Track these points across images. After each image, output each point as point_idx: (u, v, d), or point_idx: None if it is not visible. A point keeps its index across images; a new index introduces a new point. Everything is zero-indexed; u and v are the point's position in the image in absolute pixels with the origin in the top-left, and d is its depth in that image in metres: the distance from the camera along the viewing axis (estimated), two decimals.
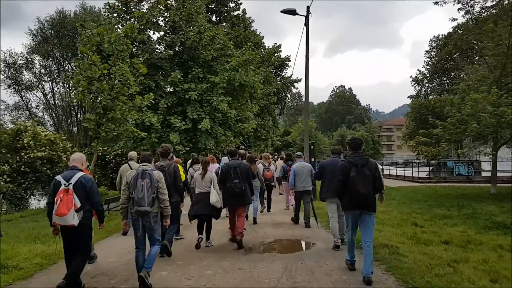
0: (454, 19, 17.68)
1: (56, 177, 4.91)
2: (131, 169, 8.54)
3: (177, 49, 19.57)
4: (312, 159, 13.62)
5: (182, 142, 18.12)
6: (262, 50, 29.36)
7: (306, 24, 16.48)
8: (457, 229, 9.61)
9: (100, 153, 21.01)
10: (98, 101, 11.13)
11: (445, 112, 16.83)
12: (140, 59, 12.94)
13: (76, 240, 4.86)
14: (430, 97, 56.32)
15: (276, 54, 31.25)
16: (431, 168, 30.63)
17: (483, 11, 18.02)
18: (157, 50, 19.20)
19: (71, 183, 4.74)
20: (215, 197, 7.16)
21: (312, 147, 14.64)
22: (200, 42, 18.65)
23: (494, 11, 17.43)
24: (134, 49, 19.00)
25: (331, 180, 6.73)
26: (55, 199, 4.65)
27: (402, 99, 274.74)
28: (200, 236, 7.36)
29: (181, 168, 7.69)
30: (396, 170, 33.58)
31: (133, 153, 9.62)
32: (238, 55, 20.84)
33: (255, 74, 20.22)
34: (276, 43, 31.62)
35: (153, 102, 18.45)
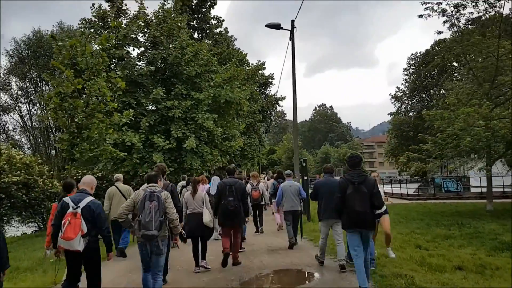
0: (440, 32, 17.46)
1: (64, 199, 4.83)
2: (120, 191, 8.80)
3: (158, 65, 18.76)
4: (305, 177, 12.82)
5: (166, 163, 17.10)
6: (246, 67, 28.80)
7: (292, 38, 15.98)
8: (465, 251, 8.90)
9: (79, 177, 19.81)
10: (72, 119, 10.20)
11: (435, 127, 16.35)
12: (118, 73, 12.06)
13: (86, 267, 4.83)
14: (411, 113, 56.89)
15: (260, 71, 30.73)
16: (418, 184, 30.25)
17: (469, 23, 17.92)
18: (137, 66, 18.35)
19: (79, 207, 4.66)
20: (208, 217, 7.07)
21: (304, 164, 13.87)
22: (182, 58, 17.92)
23: (480, 24, 17.31)
24: (112, 65, 18.15)
25: (327, 200, 6.83)
26: (63, 222, 4.56)
27: (381, 117, 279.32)
28: (197, 268, 7.16)
29: None
30: (383, 187, 33.08)
31: (119, 175, 9.40)
32: (222, 71, 20.16)
33: (241, 91, 19.54)
34: (260, 60, 31.18)
35: (133, 120, 17.56)
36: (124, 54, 18.26)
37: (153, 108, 18.30)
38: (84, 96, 10.41)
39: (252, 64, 30.83)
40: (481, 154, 16.53)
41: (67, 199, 4.80)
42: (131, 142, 16.20)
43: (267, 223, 13.80)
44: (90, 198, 4.86)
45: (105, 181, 20.03)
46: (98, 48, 10.77)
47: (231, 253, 7.41)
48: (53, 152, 40.03)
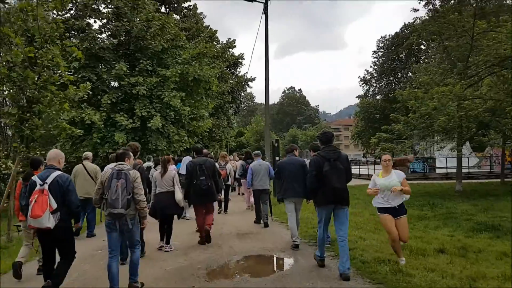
0: (415, 10, 17.08)
1: (32, 178, 4.62)
2: (86, 170, 8.52)
3: (122, 38, 17.57)
4: (277, 158, 12.24)
5: (129, 143, 16.14)
6: (216, 45, 27.72)
7: (265, 12, 15.21)
8: (442, 232, 8.63)
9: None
10: (21, 92, 9.10)
11: (409, 107, 16.12)
12: (74, 41, 10.95)
13: (57, 245, 4.63)
14: (378, 96, 57.58)
15: (230, 50, 29.71)
16: None
17: (443, 3, 17.67)
18: (98, 39, 17.09)
19: (46, 183, 4.45)
20: (180, 195, 7.01)
21: (276, 144, 13.26)
22: (148, 31, 16.80)
23: (456, 1, 17.08)
24: (72, 38, 16.81)
25: (289, 179, 6.87)
26: (30, 200, 4.37)
27: (348, 101, 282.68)
28: (162, 242, 7.14)
29: None
30: (351, 168, 33.26)
31: (88, 153, 9.12)
32: (191, 47, 19.14)
33: (210, 68, 18.64)
34: (230, 38, 30.09)
35: (94, 97, 16.41)
36: (85, 26, 16.93)
37: (116, 84, 17.17)
38: (36, 66, 9.31)
39: (222, 41, 29.77)
40: (452, 134, 16.50)
41: (34, 177, 4.59)
42: (91, 121, 15.13)
43: (235, 204, 13.68)
44: (58, 172, 4.60)
45: (65, 163, 18.72)
46: (53, 14, 9.61)
47: (206, 225, 7.48)
48: (10, 132, 37.70)
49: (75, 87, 9.87)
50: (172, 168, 10.21)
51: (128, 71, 16.32)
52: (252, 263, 6.31)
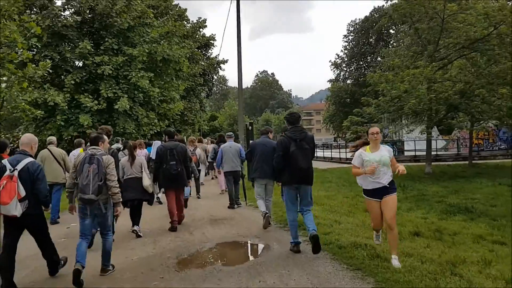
0: None
1: (2, 161, 4.48)
2: (52, 154, 8.31)
3: (86, 16, 16.60)
4: (251, 141, 11.90)
5: (95, 125, 15.41)
6: (186, 24, 26.83)
7: None
8: (415, 214, 8.60)
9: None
10: None
11: (380, 90, 16.10)
12: (33, 16, 10.15)
13: (33, 234, 4.63)
14: (348, 81, 58.04)
15: (201, 30, 28.89)
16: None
17: None
18: (61, 17, 16.06)
19: (16, 169, 4.34)
20: (148, 181, 6.85)
21: (250, 127, 12.89)
22: (113, 8, 15.94)
23: None
24: (33, 15, 15.73)
25: (260, 160, 6.91)
26: None
27: (319, 85, 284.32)
28: (134, 227, 6.91)
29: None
30: (323, 152, 33.39)
31: (52, 138, 8.95)
32: (159, 25, 18.36)
33: (180, 48, 17.98)
34: (200, 18, 29.21)
35: (54, 75, 15.53)
36: (47, 3, 15.89)
37: (80, 64, 16.30)
38: None
39: (192, 21, 28.88)
40: (422, 117, 16.64)
41: (4, 161, 4.46)
42: (54, 102, 14.30)
43: (208, 188, 13.61)
44: (29, 159, 4.51)
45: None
46: None
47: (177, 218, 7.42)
48: None
49: (34, 65, 9.13)
50: (143, 152, 10.12)
51: (92, 49, 15.48)
52: (226, 250, 6.03)
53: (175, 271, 4.93)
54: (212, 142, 15.18)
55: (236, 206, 9.48)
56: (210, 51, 35.73)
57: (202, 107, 35.70)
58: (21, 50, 8.52)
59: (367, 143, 5.01)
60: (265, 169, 6.83)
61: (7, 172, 4.31)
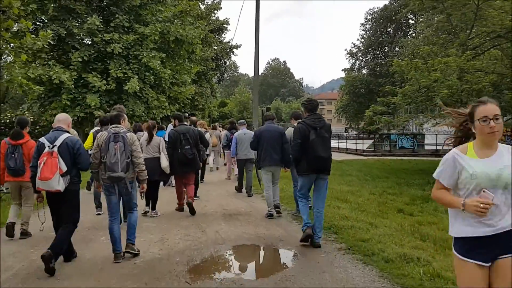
0: None
1: (39, 139, 4.57)
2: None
3: None
4: (255, 129, 10.96)
5: (103, 107, 14.61)
6: (201, 5, 25.73)
7: None
8: None
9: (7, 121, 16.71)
10: None
11: (408, 78, 15.01)
12: None
13: (64, 207, 4.55)
14: (364, 70, 56.51)
15: (216, 12, 27.78)
16: (374, 140, 29.79)
17: None
18: None
19: (55, 145, 4.40)
20: (166, 162, 6.94)
21: (267, 112, 11.89)
22: None
23: None
24: None
25: (267, 147, 6.81)
26: (39, 162, 4.32)
27: (331, 75, 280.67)
28: (147, 207, 7.10)
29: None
30: (338, 142, 32.36)
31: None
32: (172, 3, 17.34)
33: (194, 28, 16.98)
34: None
35: (60, 52, 14.69)
36: None
37: (88, 41, 15.40)
38: None
39: (206, 2, 27.78)
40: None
41: (42, 139, 4.51)
42: (60, 80, 13.46)
43: (215, 174, 13.39)
44: (67, 135, 4.56)
45: (37, 127, 17.17)
46: None
47: (189, 198, 7.25)
48: None
49: (33, 35, 8.23)
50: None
51: (102, 26, 14.56)
52: (244, 255, 5.16)
53: (185, 283, 4.05)
54: (214, 128, 14.53)
55: (247, 195, 9.33)
56: (223, 35, 34.70)
57: (213, 92, 34.78)
58: (15, 15, 7.58)
59: (468, 137, 2.56)
60: (272, 156, 6.78)
61: (46, 149, 4.36)
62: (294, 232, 5.97)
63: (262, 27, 13.62)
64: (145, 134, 7.39)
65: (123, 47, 14.61)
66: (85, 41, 15.32)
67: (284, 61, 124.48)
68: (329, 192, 10.02)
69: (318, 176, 5.23)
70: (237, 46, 34.34)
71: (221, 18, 32.66)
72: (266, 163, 6.84)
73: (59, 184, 4.28)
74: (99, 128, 6.93)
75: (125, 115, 5.06)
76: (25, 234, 5.72)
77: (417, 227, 6.61)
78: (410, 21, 54.35)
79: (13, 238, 5.61)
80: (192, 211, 7.09)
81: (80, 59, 14.15)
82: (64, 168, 4.35)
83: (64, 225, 4.52)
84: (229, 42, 34.48)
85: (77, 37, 14.73)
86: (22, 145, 5.57)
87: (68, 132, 4.66)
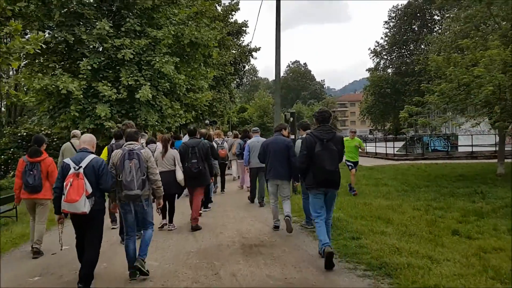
0: None
1: (64, 160, 4.63)
2: (74, 148, 8.02)
3: None
4: (292, 136, 9.69)
5: (114, 117, 13.68)
6: (217, 6, 24.77)
7: None
8: None
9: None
10: None
11: (448, 74, 13.55)
12: None
13: (88, 229, 4.55)
14: (389, 70, 54.60)
15: (233, 13, 26.78)
16: (405, 143, 28.07)
17: None
18: None
19: (81, 167, 4.40)
20: (181, 175, 6.97)
21: (292, 118, 10.64)
22: None
23: None
24: None
25: (273, 160, 6.77)
26: (65, 184, 4.31)
27: (352, 76, 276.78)
28: (164, 220, 7.29)
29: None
30: (366, 146, 30.77)
31: (76, 131, 8.80)
32: (187, 4, 16.37)
33: (209, 30, 15.94)
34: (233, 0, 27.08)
35: (69, 60, 13.89)
36: None
37: (99, 47, 14.54)
38: None
39: (224, 3, 26.81)
40: (493, 108, 13.97)
41: (67, 160, 4.56)
42: (68, 90, 12.60)
43: (229, 184, 13.08)
44: (92, 156, 4.57)
45: (55, 138, 16.57)
46: None
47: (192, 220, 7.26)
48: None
49: (24, 39, 7.27)
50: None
51: (112, 31, 13.68)
52: None
53: None
54: (235, 137, 13.67)
55: (258, 206, 9.51)
56: (242, 38, 33.71)
57: (232, 97, 33.77)
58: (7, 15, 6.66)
59: None
60: (277, 169, 6.72)
61: (72, 170, 4.35)
62: (332, 274, 4.71)
63: (282, 32, 12.48)
64: (159, 147, 7.35)
65: (134, 53, 13.67)
66: (94, 48, 14.47)
67: (305, 63, 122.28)
68: (368, 209, 8.74)
69: (328, 191, 5.21)
70: (256, 49, 33.28)
71: (240, 21, 31.73)
72: (271, 176, 6.83)
73: (85, 206, 4.27)
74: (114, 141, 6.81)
75: (144, 134, 5.07)
76: (37, 253, 5.76)
77: (484, 257, 5.30)
78: (436, 17, 52.37)
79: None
80: (197, 227, 7.15)
81: (89, 67, 13.27)
82: (90, 190, 4.35)
83: (90, 248, 4.52)
84: (248, 45, 33.46)
85: (86, 43, 13.88)
86: (40, 162, 5.76)
87: (93, 153, 4.67)
